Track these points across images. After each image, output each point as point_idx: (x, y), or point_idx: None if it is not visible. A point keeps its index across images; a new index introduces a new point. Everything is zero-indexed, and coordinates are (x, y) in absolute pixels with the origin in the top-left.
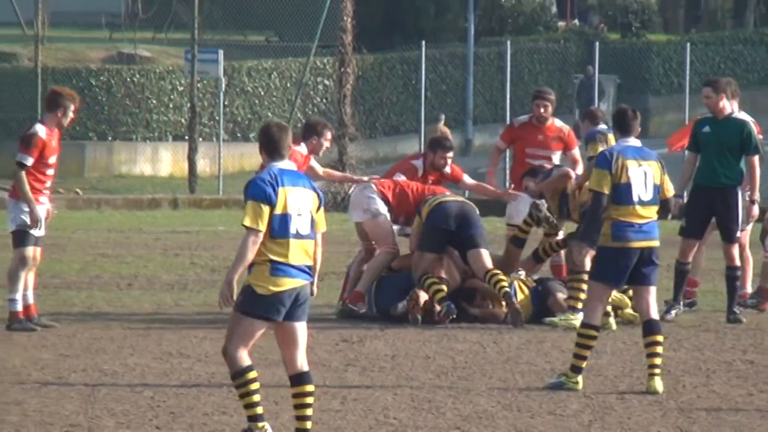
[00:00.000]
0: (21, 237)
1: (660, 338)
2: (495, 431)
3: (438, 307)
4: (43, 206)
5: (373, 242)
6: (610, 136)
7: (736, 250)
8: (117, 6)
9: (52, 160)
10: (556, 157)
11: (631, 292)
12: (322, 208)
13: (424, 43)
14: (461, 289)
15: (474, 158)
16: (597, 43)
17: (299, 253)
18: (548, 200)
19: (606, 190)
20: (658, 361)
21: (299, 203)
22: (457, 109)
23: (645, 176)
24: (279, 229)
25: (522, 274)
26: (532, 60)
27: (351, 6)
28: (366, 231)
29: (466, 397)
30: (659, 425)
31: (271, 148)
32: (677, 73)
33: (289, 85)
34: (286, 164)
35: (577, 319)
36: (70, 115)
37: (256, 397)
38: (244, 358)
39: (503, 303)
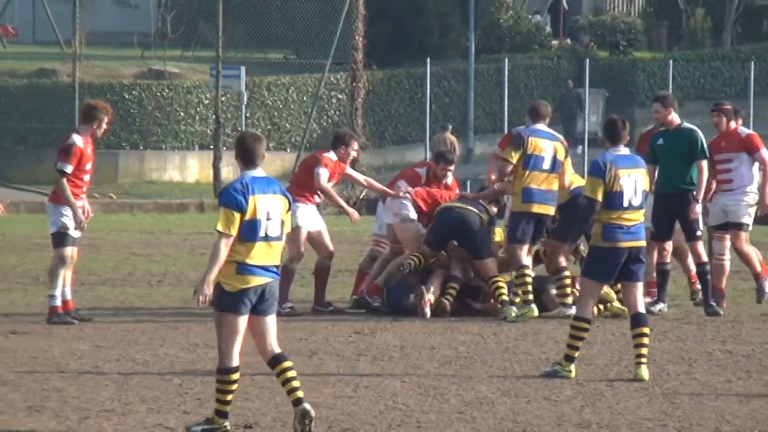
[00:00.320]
0: (60, 238)
1: (646, 330)
2: (495, 416)
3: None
4: (81, 208)
5: (401, 244)
6: (533, 140)
7: (701, 247)
8: (148, 26)
9: (88, 166)
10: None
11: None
12: (289, 213)
13: (429, 60)
14: (467, 285)
15: (475, 165)
16: (587, 60)
17: (265, 254)
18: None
19: (599, 198)
20: (644, 351)
21: (269, 208)
22: (459, 120)
23: (635, 183)
24: (247, 233)
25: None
26: (528, 75)
27: (362, 26)
28: (395, 233)
29: (468, 384)
30: (645, 410)
31: (246, 157)
32: (661, 87)
33: (305, 98)
34: (258, 172)
35: (532, 311)
36: (104, 126)
37: (230, 397)
38: (232, 358)
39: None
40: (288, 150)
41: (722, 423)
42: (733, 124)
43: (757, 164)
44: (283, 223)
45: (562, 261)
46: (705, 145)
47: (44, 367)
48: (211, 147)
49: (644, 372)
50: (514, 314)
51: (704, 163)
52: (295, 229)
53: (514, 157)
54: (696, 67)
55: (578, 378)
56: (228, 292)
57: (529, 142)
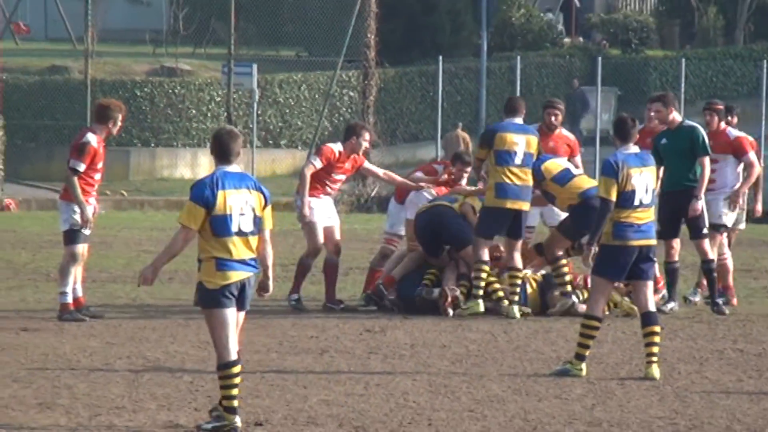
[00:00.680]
0: (72, 236)
1: (657, 329)
2: (505, 414)
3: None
4: (91, 206)
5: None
6: (502, 135)
7: (707, 245)
8: (160, 23)
9: (100, 165)
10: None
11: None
12: (269, 207)
13: (441, 58)
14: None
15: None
16: (599, 58)
17: (241, 248)
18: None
19: (613, 198)
20: (655, 349)
21: (241, 203)
22: (470, 118)
23: (646, 182)
24: (220, 228)
25: (530, 270)
26: (540, 74)
27: (374, 24)
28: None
29: (479, 382)
30: (656, 408)
31: (220, 153)
32: (673, 86)
33: (317, 96)
34: (232, 168)
35: (478, 305)
36: (119, 123)
37: (234, 391)
38: (229, 352)
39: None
40: (299, 147)
41: (733, 422)
42: (723, 125)
43: (742, 165)
44: (258, 218)
45: (558, 251)
46: (706, 142)
47: (55, 364)
48: None
49: (655, 371)
50: (515, 312)
51: (706, 160)
52: (309, 224)
53: (483, 154)
54: (708, 66)
55: (589, 376)
56: (210, 290)
57: (498, 138)
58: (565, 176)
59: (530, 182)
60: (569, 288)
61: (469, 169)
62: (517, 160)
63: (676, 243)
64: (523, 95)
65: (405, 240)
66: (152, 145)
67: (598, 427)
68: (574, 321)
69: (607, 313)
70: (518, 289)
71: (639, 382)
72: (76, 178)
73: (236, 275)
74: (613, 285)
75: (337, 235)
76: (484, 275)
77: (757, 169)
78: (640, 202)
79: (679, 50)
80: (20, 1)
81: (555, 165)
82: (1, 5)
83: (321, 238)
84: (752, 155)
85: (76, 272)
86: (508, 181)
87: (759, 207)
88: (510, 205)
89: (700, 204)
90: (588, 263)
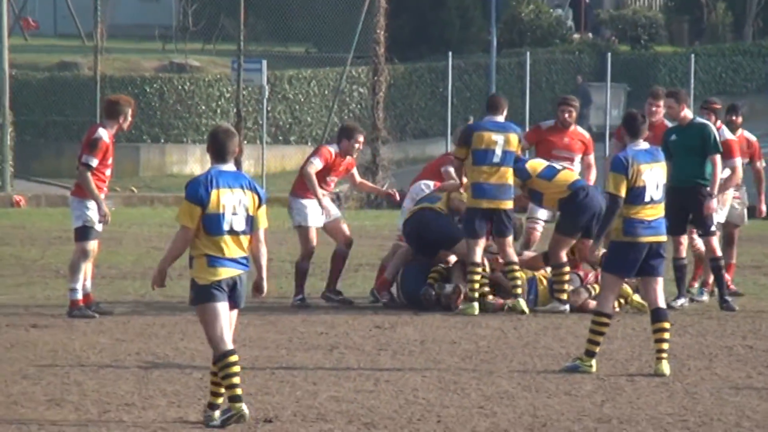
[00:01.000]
0: (84, 232)
1: (667, 325)
2: (515, 410)
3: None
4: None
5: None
6: (479, 134)
7: (716, 242)
8: (169, 19)
9: (110, 161)
10: (578, 159)
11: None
12: (263, 207)
13: (450, 54)
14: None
15: None
16: (609, 54)
17: (233, 247)
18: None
19: (623, 194)
20: (665, 346)
21: (234, 202)
22: (480, 114)
23: (656, 178)
24: (212, 226)
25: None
26: (550, 70)
27: (383, 20)
28: None
29: (488, 378)
30: (666, 405)
31: (217, 152)
32: (682, 82)
33: (326, 92)
34: (227, 167)
35: (473, 308)
36: (129, 119)
37: (236, 380)
38: (225, 343)
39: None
40: (309, 144)
41: (743, 418)
42: (719, 123)
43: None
44: (251, 217)
45: (563, 256)
46: (718, 140)
47: (64, 361)
48: None
49: (665, 367)
50: (522, 305)
51: (717, 158)
52: (301, 228)
53: (461, 153)
54: (717, 62)
55: (599, 373)
56: (201, 286)
57: (475, 137)
58: (550, 171)
59: (509, 180)
60: (565, 296)
61: None
62: (496, 159)
63: (684, 239)
64: (532, 91)
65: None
66: (162, 141)
67: (607, 424)
68: (583, 317)
69: (617, 309)
70: (519, 282)
71: (648, 378)
72: (89, 174)
73: (227, 272)
74: (623, 282)
75: (344, 227)
76: (477, 277)
77: (738, 175)
78: (651, 199)
79: (688, 46)
80: None
81: (538, 163)
82: (10, 1)
83: (314, 241)
84: (738, 161)
85: (86, 269)
86: (484, 180)
87: (763, 207)
88: (486, 204)
89: (714, 202)
90: (593, 257)
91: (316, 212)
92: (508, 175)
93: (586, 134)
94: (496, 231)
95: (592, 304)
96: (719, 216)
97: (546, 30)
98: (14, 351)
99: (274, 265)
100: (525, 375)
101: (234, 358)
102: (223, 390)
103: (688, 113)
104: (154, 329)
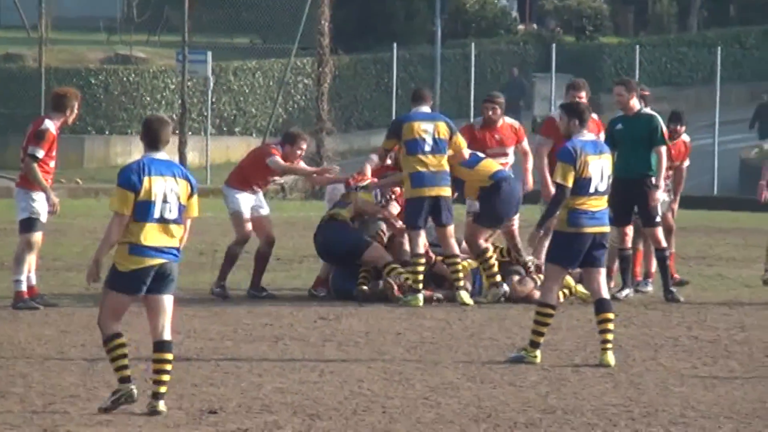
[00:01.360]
0: (29, 223)
1: (611, 316)
2: (460, 401)
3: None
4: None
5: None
6: (409, 124)
7: (660, 234)
8: (114, 11)
9: (54, 153)
10: (511, 151)
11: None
12: (195, 196)
13: (395, 45)
14: (431, 274)
15: None
16: (554, 45)
17: (158, 235)
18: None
19: (570, 184)
20: (609, 336)
21: (165, 190)
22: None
23: (602, 169)
24: (140, 213)
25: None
26: (495, 60)
27: (328, 11)
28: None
29: (433, 369)
30: (611, 395)
31: (150, 140)
32: (627, 73)
33: (271, 83)
34: (160, 155)
35: (417, 300)
36: (75, 112)
37: (125, 361)
38: (113, 326)
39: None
40: (254, 135)
41: (687, 408)
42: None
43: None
44: (182, 206)
45: (482, 243)
46: (665, 132)
47: (9, 353)
48: (177, 132)
49: (610, 357)
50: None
51: (663, 149)
52: (235, 214)
53: (389, 145)
54: (662, 53)
55: (543, 363)
56: (121, 272)
57: (405, 128)
58: (473, 159)
59: (446, 168)
60: (498, 278)
61: None
62: (427, 148)
63: (629, 230)
64: (477, 82)
65: None
66: (106, 132)
67: (552, 414)
68: (528, 308)
69: (561, 300)
70: (461, 275)
71: (593, 369)
72: (35, 165)
73: (149, 261)
74: (567, 272)
75: (269, 226)
76: (421, 268)
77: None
78: (596, 190)
79: (633, 37)
80: None
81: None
82: None
83: (249, 227)
84: (664, 148)
85: (31, 261)
86: (422, 169)
87: (675, 206)
88: (428, 192)
89: (659, 194)
90: (533, 245)
91: (250, 202)
92: (444, 163)
93: (516, 123)
94: (436, 220)
95: (538, 294)
96: (655, 212)
97: (491, 21)
98: None
99: (218, 256)
100: (470, 366)
101: (121, 340)
102: (165, 378)
103: (635, 103)
104: None
